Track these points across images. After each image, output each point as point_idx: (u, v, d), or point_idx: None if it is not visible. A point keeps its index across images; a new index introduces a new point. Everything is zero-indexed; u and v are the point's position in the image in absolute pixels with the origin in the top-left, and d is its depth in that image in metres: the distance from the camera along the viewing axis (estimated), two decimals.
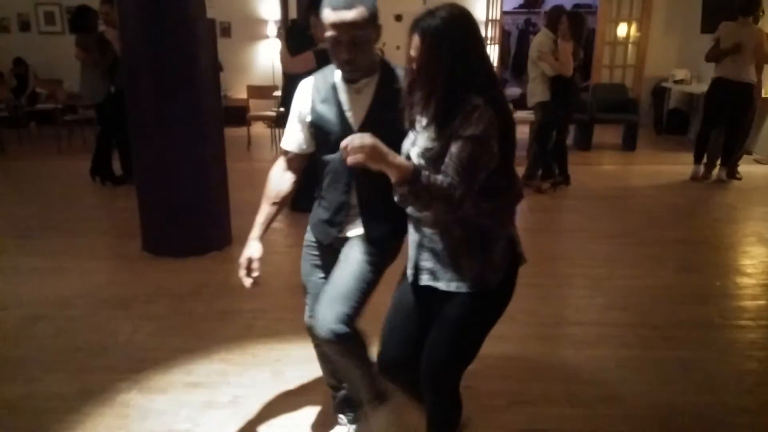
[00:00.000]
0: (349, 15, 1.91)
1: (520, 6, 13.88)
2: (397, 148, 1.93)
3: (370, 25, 1.97)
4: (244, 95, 9.59)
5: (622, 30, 10.91)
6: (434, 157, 1.84)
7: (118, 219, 5.65)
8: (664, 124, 10.02)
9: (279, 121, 9.08)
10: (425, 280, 2.00)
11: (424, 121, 1.90)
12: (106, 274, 4.46)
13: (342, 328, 2.06)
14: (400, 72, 2.07)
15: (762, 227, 5.51)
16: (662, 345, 3.43)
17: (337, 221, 2.22)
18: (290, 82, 5.35)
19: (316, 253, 2.35)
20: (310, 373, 3.07)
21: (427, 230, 1.96)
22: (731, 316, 3.80)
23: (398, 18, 10.01)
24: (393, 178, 1.73)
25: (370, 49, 2.03)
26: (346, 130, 2.07)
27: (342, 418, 2.63)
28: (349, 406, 2.61)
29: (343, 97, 2.12)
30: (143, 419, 2.77)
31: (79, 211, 5.96)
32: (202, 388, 2.99)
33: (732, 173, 7.11)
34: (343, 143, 1.70)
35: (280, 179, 2.30)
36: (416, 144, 1.92)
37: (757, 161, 7.92)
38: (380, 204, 2.07)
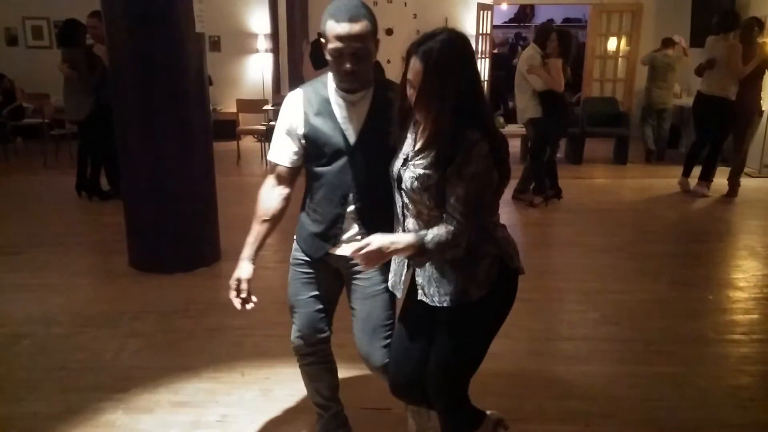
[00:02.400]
0: (355, 28, 1.96)
1: (511, 20, 13.99)
2: (389, 161, 2.04)
3: (372, 38, 2.02)
4: (233, 109, 9.58)
5: (612, 44, 10.99)
6: (429, 184, 1.88)
7: (105, 234, 5.59)
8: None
9: (269, 136, 9.08)
10: (419, 295, 2.05)
11: (419, 145, 1.94)
12: (93, 290, 4.40)
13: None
14: (393, 86, 2.09)
15: (754, 241, 5.52)
16: (655, 360, 3.41)
17: (332, 234, 2.22)
18: None
19: (308, 270, 2.32)
20: (300, 391, 3.02)
21: None
22: (724, 331, 3.78)
23: (389, 32, 10.04)
24: (406, 255, 1.88)
25: (370, 62, 2.06)
26: (343, 142, 2.13)
27: None
28: (335, 425, 2.58)
29: (338, 110, 2.14)
30: None
31: (66, 226, 5.90)
32: (189, 408, 2.93)
33: (731, 192, 7.02)
34: (352, 254, 1.84)
35: (269, 196, 2.27)
36: (409, 167, 1.94)
37: (748, 174, 7.94)
38: (378, 212, 2.14)
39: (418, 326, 2.14)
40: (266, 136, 9.04)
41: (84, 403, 2.94)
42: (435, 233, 1.85)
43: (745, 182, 7.32)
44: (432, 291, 2.00)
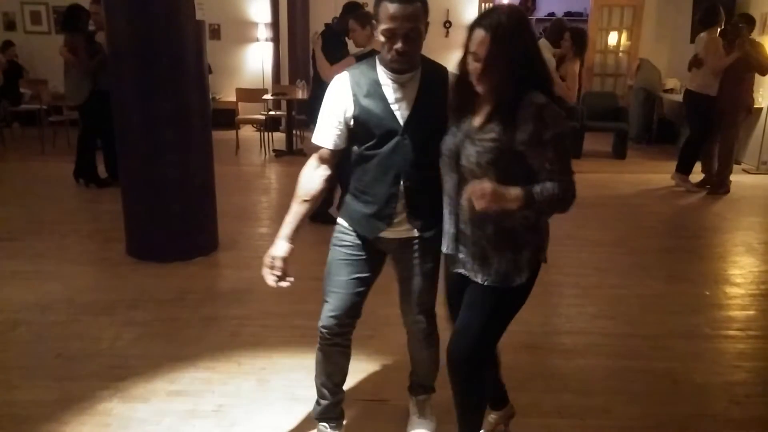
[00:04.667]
0: (408, 8, 2.02)
1: None
2: (438, 142, 2.11)
3: (424, 19, 2.09)
4: (233, 98, 9.53)
5: (613, 38, 10.97)
6: (497, 158, 1.93)
7: (103, 222, 5.58)
8: (654, 133, 10.06)
9: (269, 125, 9.06)
10: (457, 267, 2.16)
11: (481, 118, 1.99)
12: (89, 278, 4.38)
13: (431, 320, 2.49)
14: (440, 68, 2.22)
15: (751, 237, 5.52)
16: (651, 355, 3.41)
17: (386, 213, 2.25)
18: (321, 87, 5.30)
19: (355, 252, 2.34)
20: (296, 381, 3.04)
21: (463, 225, 2.09)
22: (720, 326, 3.79)
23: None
24: (514, 207, 1.89)
25: (420, 43, 2.11)
26: (394, 123, 2.17)
27: (324, 426, 2.59)
28: (333, 414, 2.58)
29: (388, 91, 2.18)
30: (124, 428, 2.70)
31: (63, 213, 5.88)
32: (185, 397, 2.93)
33: (719, 188, 6.99)
34: (467, 193, 1.90)
35: (311, 176, 2.29)
36: (473, 142, 1.98)
37: (746, 171, 7.96)
38: (426, 192, 2.22)
39: (456, 287, 2.24)
40: (265, 125, 9.04)
41: (79, 391, 2.94)
42: (543, 186, 1.90)
43: (742, 179, 7.33)
44: (476, 268, 2.09)
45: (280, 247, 2.25)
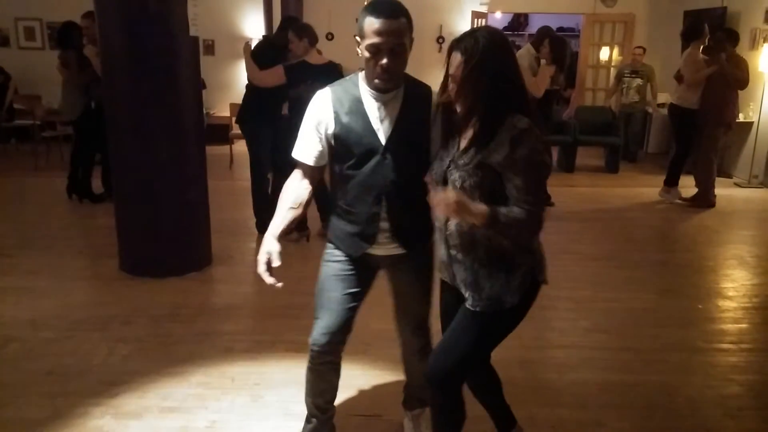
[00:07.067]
0: (395, 24, 2.01)
1: (505, 28, 14.05)
2: (420, 161, 2.13)
3: (409, 35, 2.07)
4: (227, 113, 9.54)
5: (604, 54, 11.05)
6: (480, 182, 1.92)
7: (96, 238, 5.55)
8: (646, 147, 10.12)
9: None
10: (453, 288, 2.17)
11: (464, 143, 1.98)
12: (82, 294, 4.36)
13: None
14: (423, 87, 2.21)
15: (743, 250, 5.55)
16: (645, 369, 3.41)
17: (370, 233, 2.24)
18: (253, 96, 5.36)
19: (346, 267, 2.33)
20: (290, 396, 3.02)
21: (453, 251, 2.07)
22: (713, 340, 3.80)
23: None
24: (477, 222, 1.87)
25: (405, 60, 2.10)
26: (375, 142, 2.15)
27: None
28: (325, 430, 2.57)
29: (371, 109, 2.16)
30: None
31: (56, 229, 5.86)
32: (178, 413, 2.91)
33: (702, 201, 6.97)
34: (432, 200, 1.87)
35: (297, 186, 2.29)
36: (458, 167, 1.97)
37: (738, 185, 8.00)
38: (410, 211, 2.21)
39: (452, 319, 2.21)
40: None
41: (72, 409, 2.92)
42: (510, 209, 1.88)
43: (734, 192, 7.36)
44: (468, 294, 2.06)
45: (273, 243, 2.21)
